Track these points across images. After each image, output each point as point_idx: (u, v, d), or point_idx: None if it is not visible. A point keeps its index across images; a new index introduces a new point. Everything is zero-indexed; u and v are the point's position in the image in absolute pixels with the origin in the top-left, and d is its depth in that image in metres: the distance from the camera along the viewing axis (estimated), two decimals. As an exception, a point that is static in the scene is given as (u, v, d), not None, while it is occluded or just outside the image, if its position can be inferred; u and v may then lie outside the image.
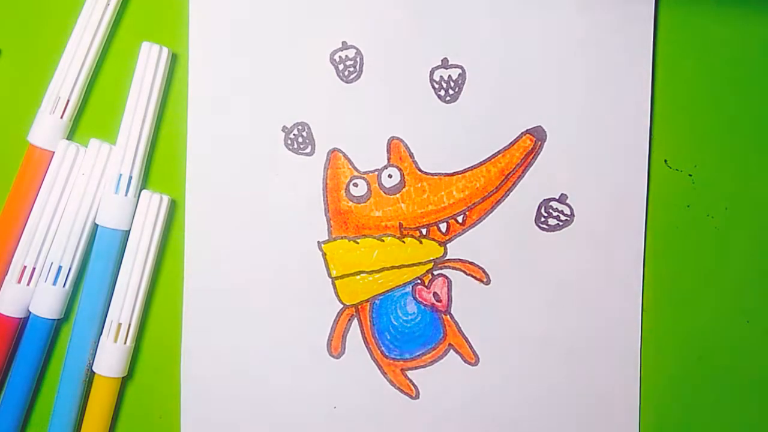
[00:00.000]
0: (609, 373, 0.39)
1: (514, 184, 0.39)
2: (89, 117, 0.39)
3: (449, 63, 0.39)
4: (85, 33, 0.38)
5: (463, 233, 0.39)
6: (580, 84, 0.39)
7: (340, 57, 0.39)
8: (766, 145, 0.39)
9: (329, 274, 0.39)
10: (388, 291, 0.39)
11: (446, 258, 0.39)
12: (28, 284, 0.38)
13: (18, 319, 0.38)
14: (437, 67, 0.39)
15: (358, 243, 0.39)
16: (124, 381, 0.39)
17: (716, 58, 0.39)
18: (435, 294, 0.39)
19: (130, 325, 0.38)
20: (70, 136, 0.39)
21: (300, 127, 0.39)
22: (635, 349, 0.39)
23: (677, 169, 0.39)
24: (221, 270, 0.39)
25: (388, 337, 0.39)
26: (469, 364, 0.39)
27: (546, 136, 0.39)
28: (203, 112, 0.39)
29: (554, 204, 0.39)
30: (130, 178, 0.38)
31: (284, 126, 0.39)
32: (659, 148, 0.39)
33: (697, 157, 0.39)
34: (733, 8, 0.39)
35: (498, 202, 0.39)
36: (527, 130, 0.39)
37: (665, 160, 0.39)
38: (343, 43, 0.39)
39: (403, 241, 0.39)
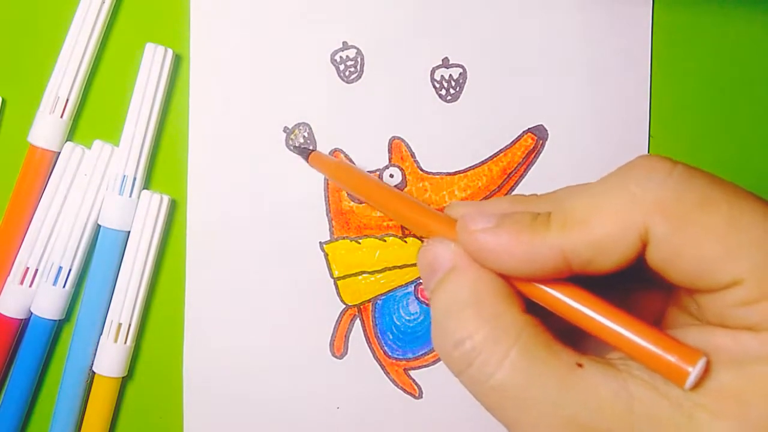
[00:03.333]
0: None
1: (516, 183, 0.39)
2: (91, 117, 0.39)
3: (450, 62, 0.39)
4: (82, 30, 0.38)
5: (465, 233, 0.39)
6: (581, 83, 0.39)
7: (341, 57, 0.39)
8: (766, 144, 0.40)
9: (331, 275, 0.39)
10: (390, 291, 0.39)
11: (448, 257, 0.39)
12: (30, 285, 0.38)
13: (19, 320, 0.38)
14: (438, 67, 0.39)
15: (359, 243, 0.39)
16: (124, 381, 0.39)
17: (713, 58, 0.39)
18: (437, 293, 0.39)
19: (130, 325, 0.38)
20: (71, 136, 0.39)
21: (301, 128, 0.39)
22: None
23: (676, 169, 0.40)
24: (223, 270, 0.39)
25: (391, 337, 0.39)
26: (472, 363, 0.39)
27: (547, 134, 0.39)
28: (204, 112, 0.39)
29: (556, 203, 0.39)
30: (134, 179, 0.37)
31: (285, 126, 0.39)
32: (657, 148, 0.39)
33: (696, 156, 0.40)
34: (729, 8, 0.39)
35: (500, 202, 0.39)
36: (529, 128, 0.39)
37: (664, 160, 0.40)
38: (344, 43, 0.39)
39: (405, 241, 0.39)
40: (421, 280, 0.39)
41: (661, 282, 0.26)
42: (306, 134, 0.39)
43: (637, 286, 0.28)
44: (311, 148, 0.38)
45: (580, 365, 0.25)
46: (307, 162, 0.37)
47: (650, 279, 0.27)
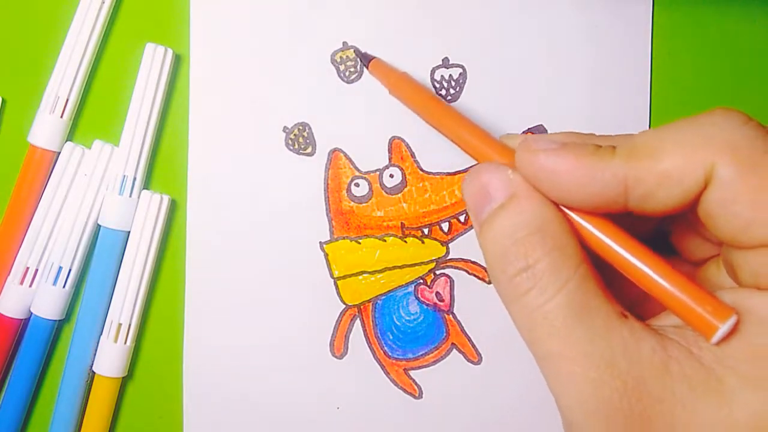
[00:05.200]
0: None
1: (517, 184, 0.39)
2: (91, 117, 0.39)
3: (450, 62, 0.39)
4: (82, 30, 0.38)
5: (465, 233, 0.39)
6: (581, 83, 0.39)
7: (341, 57, 0.39)
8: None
9: (331, 275, 0.39)
10: (390, 291, 0.39)
11: (448, 257, 0.39)
12: (30, 285, 0.38)
13: (19, 320, 0.38)
14: (438, 67, 0.39)
15: (360, 243, 0.39)
16: (124, 381, 0.39)
17: (713, 57, 0.39)
18: (437, 293, 0.39)
19: (130, 325, 0.38)
20: (71, 136, 0.39)
21: (301, 127, 0.39)
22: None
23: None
24: (223, 270, 0.39)
25: (391, 337, 0.39)
26: (472, 363, 0.39)
27: (548, 135, 0.39)
28: (204, 112, 0.39)
29: (556, 203, 0.39)
30: (134, 179, 0.37)
31: (285, 126, 0.39)
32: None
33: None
34: (729, 8, 0.39)
35: (500, 202, 0.39)
36: (529, 128, 0.39)
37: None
38: (344, 43, 0.39)
39: (405, 241, 0.39)
40: (420, 281, 0.39)
41: (688, 252, 0.27)
42: (306, 134, 0.39)
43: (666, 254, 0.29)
44: (373, 56, 0.38)
45: (625, 316, 0.25)
46: (367, 69, 0.38)
47: (676, 251, 0.28)
